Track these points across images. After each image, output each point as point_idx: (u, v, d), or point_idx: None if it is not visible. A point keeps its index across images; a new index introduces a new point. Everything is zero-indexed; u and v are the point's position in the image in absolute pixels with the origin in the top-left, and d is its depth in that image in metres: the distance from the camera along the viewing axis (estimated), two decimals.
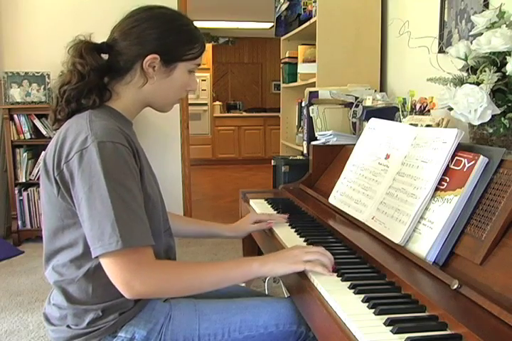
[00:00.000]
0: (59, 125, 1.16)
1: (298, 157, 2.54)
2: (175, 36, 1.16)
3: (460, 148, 1.16)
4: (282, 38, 3.51)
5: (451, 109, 1.32)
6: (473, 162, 1.10)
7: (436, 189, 1.16)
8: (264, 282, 2.09)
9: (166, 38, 1.15)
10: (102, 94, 1.15)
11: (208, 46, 8.05)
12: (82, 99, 1.13)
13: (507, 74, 1.24)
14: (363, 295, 0.97)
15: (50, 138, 3.08)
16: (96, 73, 1.13)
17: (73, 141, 1.05)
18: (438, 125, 1.49)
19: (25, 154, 3.60)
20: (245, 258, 1.18)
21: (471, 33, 1.44)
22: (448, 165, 1.16)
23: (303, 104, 2.47)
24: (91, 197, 1.00)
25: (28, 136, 3.59)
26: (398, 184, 1.28)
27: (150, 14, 1.17)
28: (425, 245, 1.11)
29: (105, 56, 1.18)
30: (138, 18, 1.16)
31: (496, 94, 1.26)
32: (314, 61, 2.75)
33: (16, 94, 3.63)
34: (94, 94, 1.13)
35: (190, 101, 4.53)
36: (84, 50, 1.14)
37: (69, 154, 1.04)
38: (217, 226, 1.55)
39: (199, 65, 1.22)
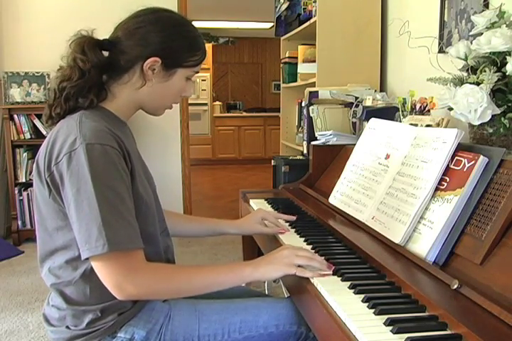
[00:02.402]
0: (52, 122, 1.15)
1: (298, 157, 2.54)
2: (179, 41, 1.16)
3: (460, 148, 1.16)
4: (282, 38, 3.51)
5: (451, 109, 1.32)
6: (473, 162, 1.10)
7: (437, 189, 1.16)
8: (264, 282, 2.09)
9: (170, 42, 1.15)
10: (99, 93, 1.14)
11: (208, 46, 8.04)
12: (80, 98, 1.12)
13: (507, 74, 1.24)
14: (363, 295, 0.97)
15: None
16: (96, 70, 1.12)
17: (63, 142, 1.04)
18: (438, 125, 1.49)
19: (25, 154, 3.60)
20: (239, 262, 1.18)
21: (471, 33, 1.44)
22: (448, 165, 1.16)
23: (303, 104, 2.47)
24: (78, 200, 1.00)
25: (28, 136, 3.59)
26: (398, 184, 1.28)
27: (157, 17, 1.17)
28: (425, 245, 1.11)
29: (106, 53, 1.17)
30: (144, 19, 1.15)
31: (496, 94, 1.26)
32: (314, 61, 2.75)
33: (16, 94, 3.63)
34: (93, 94, 1.12)
35: (190, 101, 4.54)
36: (87, 45, 1.12)
37: (58, 156, 1.04)
38: (221, 223, 1.51)
39: (197, 72, 1.22)
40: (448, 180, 1.15)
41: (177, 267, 1.16)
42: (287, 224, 1.53)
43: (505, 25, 1.30)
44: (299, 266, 1.10)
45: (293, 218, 1.54)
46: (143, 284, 1.03)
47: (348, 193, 1.52)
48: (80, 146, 1.02)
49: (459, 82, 1.36)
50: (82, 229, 0.99)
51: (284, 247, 1.17)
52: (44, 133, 3.59)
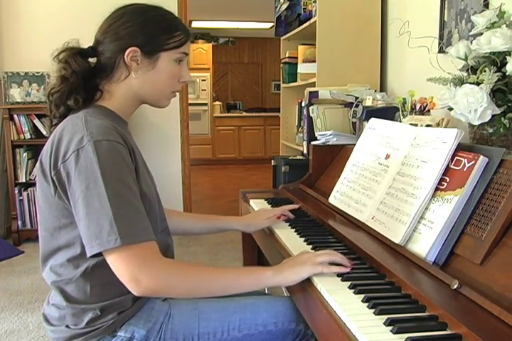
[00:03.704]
0: (56, 125, 1.17)
1: (298, 157, 2.54)
2: (151, 27, 1.17)
3: (460, 148, 1.16)
4: (282, 38, 3.51)
5: (451, 109, 1.32)
6: (473, 162, 1.10)
7: (437, 189, 1.16)
8: None
9: (142, 29, 1.16)
10: (87, 94, 1.16)
11: (208, 46, 8.07)
12: (68, 101, 1.15)
13: (507, 74, 1.24)
14: (363, 295, 0.97)
15: None
16: (79, 75, 1.15)
17: (69, 140, 1.05)
18: (438, 125, 1.49)
19: (25, 154, 3.60)
20: (259, 267, 1.18)
21: (471, 33, 1.44)
22: (448, 165, 1.16)
23: (303, 104, 2.47)
24: (88, 196, 1.00)
25: (28, 136, 3.59)
26: (398, 184, 1.28)
27: (125, 10, 1.20)
28: (425, 245, 1.11)
29: (94, 60, 1.20)
30: (114, 16, 1.19)
31: (496, 94, 1.26)
32: (314, 61, 2.75)
33: (16, 94, 3.64)
34: (75, 94, 1.15)
35: (190, 101, 4.53)
36: (68, 55, 1.16)
37: (66, 154, 1.04)
38: (227, 220, 1.53)
39: (186, 54, 1.21)
40: (448, 180, 1.15)
41: (195, 264, 1.16)
42: (287, 223, 1.54)
43: (505, 25, 1.30)
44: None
45: (296, 206, 1.63)
46: (159, 277, 1.00)
47: (348, 193, 1.52)
48: (87, 143, 1.02)
49: (459, 82, 1.36)
50: (91, 225, 0.99)
51: (303, 252, 1.17)
52: (44, 133, 3.59)
